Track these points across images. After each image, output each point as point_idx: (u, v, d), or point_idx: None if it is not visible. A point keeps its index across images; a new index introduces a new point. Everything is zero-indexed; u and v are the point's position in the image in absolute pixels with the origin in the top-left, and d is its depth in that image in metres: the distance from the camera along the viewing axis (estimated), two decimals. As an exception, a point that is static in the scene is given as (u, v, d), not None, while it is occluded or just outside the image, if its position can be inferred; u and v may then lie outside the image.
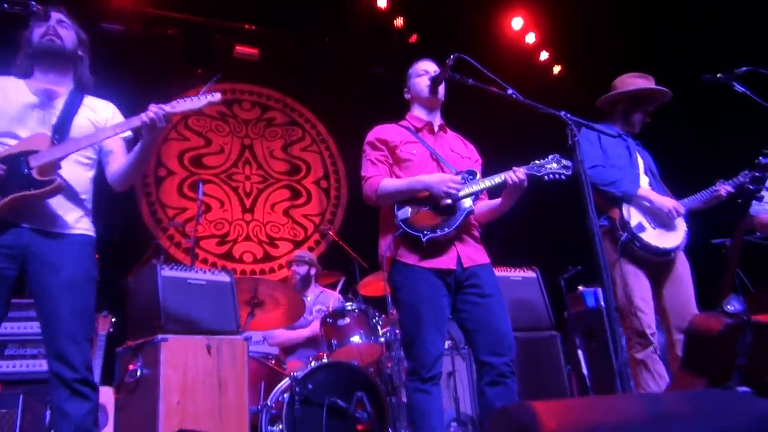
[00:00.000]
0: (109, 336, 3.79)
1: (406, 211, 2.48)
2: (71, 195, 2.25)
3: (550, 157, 2.54)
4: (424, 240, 2.40)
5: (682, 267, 3.02)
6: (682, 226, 3.02)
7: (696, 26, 5.79)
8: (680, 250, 3.02)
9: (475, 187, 2.50)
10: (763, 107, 2.65)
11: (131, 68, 5.83)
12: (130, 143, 2.45)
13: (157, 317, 2.71)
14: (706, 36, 5.66)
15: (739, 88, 2.72)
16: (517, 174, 2.46)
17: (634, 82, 3.19)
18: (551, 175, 2.51)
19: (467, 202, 2.50)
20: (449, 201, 2.45)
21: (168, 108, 2.27)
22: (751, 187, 2.35)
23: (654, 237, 2.93)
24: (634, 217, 2.96)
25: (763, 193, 3.31)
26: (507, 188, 2.51)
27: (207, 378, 2.77)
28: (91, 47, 2.49)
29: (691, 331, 2.22)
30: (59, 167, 2.19)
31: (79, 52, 2.39)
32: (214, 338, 2.85)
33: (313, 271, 4.43)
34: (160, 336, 2.67)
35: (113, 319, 3.83)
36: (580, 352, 4.07)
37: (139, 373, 2.67)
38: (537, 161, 2.54)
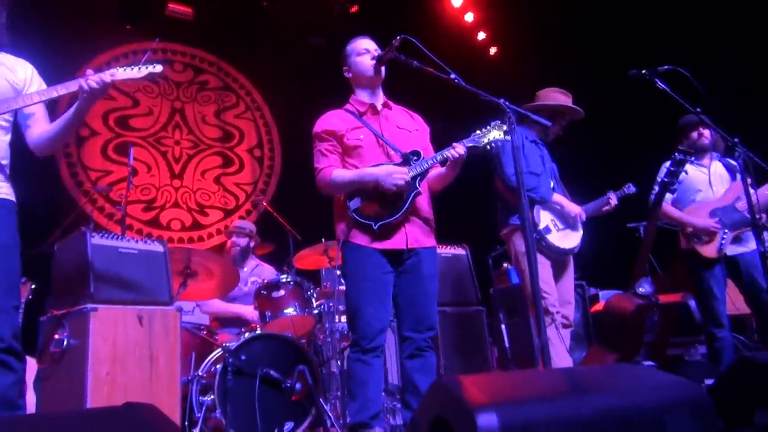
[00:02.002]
0: (28, 303, 3.64)
1: (357, 202, 2.59)
2: None
3: (492, 123, 2.63)
4: (375, 227, 2.55)
5: (570, 264, 3.44)
6: (581, 230, 3.44)
7: (633, 21, 6.06)
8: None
9: (419, 169, 2.60)
10: (679, 104, 2.86)
11: (57, 19, 5.48)
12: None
13: (86, 286, 2.63)
14: (643, 31, 5.94)
15: (660, 84, 2.91)
16: (457, 150, 2.57)
17: (556, 97, 3.51)
18: (492, 144, 2.61)
19: (413, 185, 2.60)
20: (398, 190, 2.54)
21: (108, 78, 2.19)
22: (666, 179, 2.55)
23: (557, 238, 3.34)
24: (543, 219, 3.35)
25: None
26: (453, 164, 2.63)
27: (138, 349, 2.73)
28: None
29: (605, 310, 2.41)
30: None
31: None
32: (145, 309, 2.80)
33: (252, 243, 4.39)
34: (89, 305, 2.60)
35: (33, 286, 3.68)
36: (503, 327, 4.29)
37: (65, 343, 2.59)
38: (478, 131, 2.64)
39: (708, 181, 3.64)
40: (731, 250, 3.51)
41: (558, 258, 3.37)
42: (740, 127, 3.13)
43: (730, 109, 3.73)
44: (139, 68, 2.27)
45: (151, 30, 6.35)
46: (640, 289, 2.38)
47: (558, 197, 3.41)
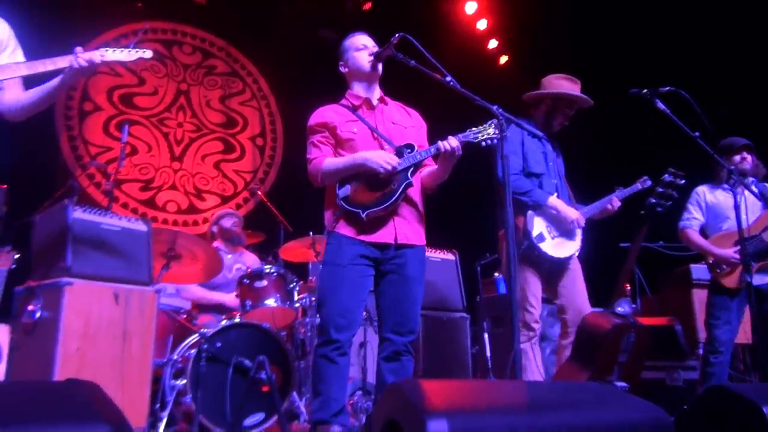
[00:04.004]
0: (10, 272, 3.62)
1: (347, 189, 2.54)
2: None
3: (488, 122, 2.55)
4: (363, 216, 2.48)
5: (575, 266, 3.24)
6: (579, 236, 3.24)
7: (643, 38, 6.02)
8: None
9: (411, 161, 2.55)
10: (678, 127, 2.82)
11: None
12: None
13: (62, 259, 2.61)
14: (651, 48, 5.91)
15: (660, 105, 2.88)
16: (450, 142, 2.51)
17: (561, 84, 3.30)
18: (488, 141, 2.52)
19: (405, 176, 2.54)
20: (385, 172, 2.48)
21: (98, 58, 2.18)
22: (653, 200, 2.51)
23: (551, 247, 3.14)
24: (537, 226, 3.16)
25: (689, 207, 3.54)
26: (441, 156, 2.57)
27: (111, 327, 2.71)
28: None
29: (582, 327, 2.38)
30: None
31: None
32: (123, 287, 2.78)
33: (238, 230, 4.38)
34: (64, 279, 2.58)
35: (16, 256, 3.65)
36: (486, 336, 4.26)
37: (38, 314, 2.57)
38: (474, 128, 2.58)
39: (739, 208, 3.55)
40: (757, 280, 3.37)
41: (554, 268, 3.20)
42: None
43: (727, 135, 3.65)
44: (129, 51, 2.27)
45: (163, 8, 6.36)
46: (619, 308, 2.35)
47: (553, 201, 3.17)
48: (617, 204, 3.22)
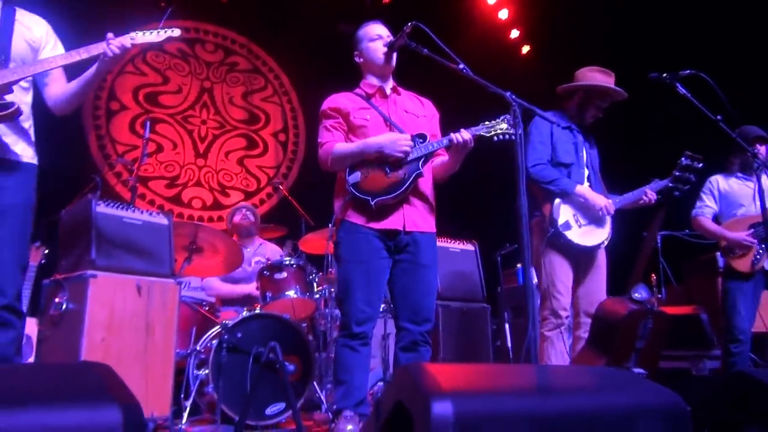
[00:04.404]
0: (40, 267, 3.74)
1: (357, 176, 2.53)
2: (16, 121, 2.20)
3: (501, 117, 2.57)
4: (372, 203, 2.48)
5: (602, 257, 3.23)
6: (608, 223, 3.20)
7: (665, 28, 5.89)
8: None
9: (423, 150, 2.55)
10: (699, 110, 2.76)
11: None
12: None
13: (87, 252, 2.69)
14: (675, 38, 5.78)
15: (681, 89, 2.81)
16: (462, 135, 2.52)
17: (594, 76, 3.27)
18: (500, 137, 2.54)
19: (416, 165, 2.54)
20: (399, 157, 2.48)
21: (128, 41, 2.24)
22: (670, 185, 2.47)
23: (578, 235, 3.11)
24: (563, 214, 3.13)
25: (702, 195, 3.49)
26: (452, 148, 2.58)
27: (134, 318, 2.77)
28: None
29: (598, 313, 2.35)
30: (11, 91, 2.13)
31: None
32: (145, 279, 2.85)
33: (255, 224, 4.44)
34: (89, 272, 2.65)
35: (46, 251, 3.78)
36: (507, 326, 4.24)
37: (64, 306, 2.65)
38: (487, 122, 2.59)
39: (752, 196, 3.52)
40: None
41: (583, 255, 3.18)
42: None
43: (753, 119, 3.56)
44: (158, 32, 2.31)
45: (186, 7, 6.44)
46: (636, 294, 2.32)
47: (581, 189, 3.16)
48: (653, 196, 3.13)
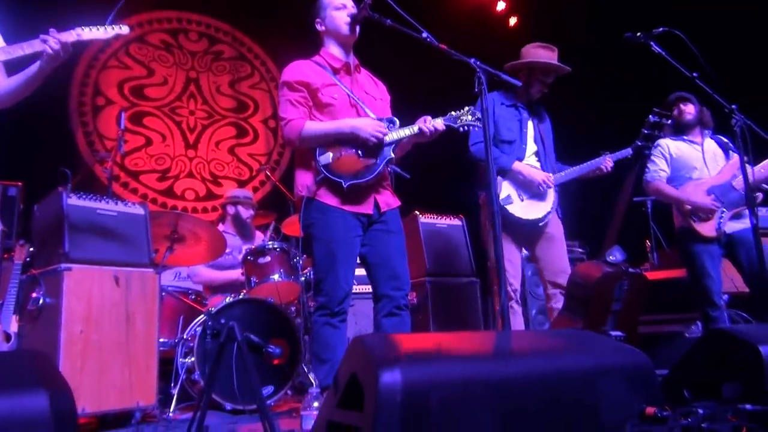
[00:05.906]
0: (25, 265, 3.74)
1: (328, 156, 2.50)
2: None
3: (465, 109, 2.65)
4: (345, 186, 2.47)
5: (554, 229, 3.27)
6: (551, 196, 3.27)
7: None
8: (551, 215, 3.26)
9: (395, 136, 2.56)
10: (674, 67, 2.69)
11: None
12: None
13: (60, 245, 2.67)
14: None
15: (656, 47, 2.75)
16: (435, 123, 2.57)
17: (537, 53, 3.31)
18: (466, 127, 2.62)
19: (387, 151, 2.55)
20: (374, 143, 2.50)
21: (72, 37, 2.16)
22: (639, 143, 2.41)
23: (520, 209, 3.20)
24: (504, 190, 3.22)
25: (654, 160, 3.48)
26: (423, 137, 2.58)
27: (114, 309, 2.77)
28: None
29: (573, 278, 2.32)
30: None
31: None
32: (123, 270, 2.83)
33: (252, 214, 4.38)
34: (63, 265, 2.64)
35: (30, 249, 3.77)
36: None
37: (41, 301, 2.65)
38: (453, 112, 2.65)
39: (702, 159, 3.47)
40: (730, 227, 3.35)
41: (532, 229, 3.23)
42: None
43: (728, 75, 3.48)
44: (105, 29, 2.25)
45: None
46: (611, 257, 2.28)
47: (518, 165, 3.23)
48: (610, 164, 3.19)
